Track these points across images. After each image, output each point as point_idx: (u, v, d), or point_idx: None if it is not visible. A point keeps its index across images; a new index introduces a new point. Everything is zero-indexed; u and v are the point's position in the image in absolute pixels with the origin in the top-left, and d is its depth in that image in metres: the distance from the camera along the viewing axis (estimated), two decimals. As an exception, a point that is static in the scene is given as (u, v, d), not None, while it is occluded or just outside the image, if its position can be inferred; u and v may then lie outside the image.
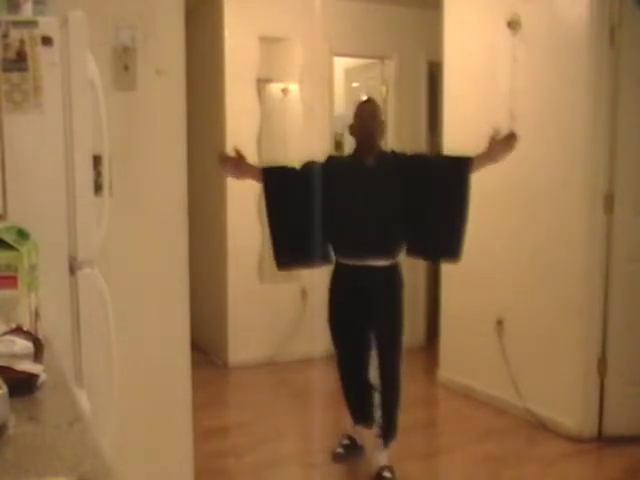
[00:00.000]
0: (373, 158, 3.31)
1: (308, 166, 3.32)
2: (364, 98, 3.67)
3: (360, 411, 3.46)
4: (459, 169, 3.21)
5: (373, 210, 3.25)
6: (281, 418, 4.25)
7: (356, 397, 3.47)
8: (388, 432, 3.30)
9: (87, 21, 2.08)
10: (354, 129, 3.37)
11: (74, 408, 1.20)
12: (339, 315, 3.40)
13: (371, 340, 3.28)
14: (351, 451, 3.54)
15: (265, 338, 5.26)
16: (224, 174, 3.29)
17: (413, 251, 3.38)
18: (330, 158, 3.49)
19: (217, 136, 5.21)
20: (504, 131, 3.21)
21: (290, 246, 3.28)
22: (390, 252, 3.28)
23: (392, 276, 3.31)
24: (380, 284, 3.27)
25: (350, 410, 3.53)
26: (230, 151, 3.28)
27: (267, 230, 3.37)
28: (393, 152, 3.57)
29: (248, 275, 5.23)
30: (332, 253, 3.34)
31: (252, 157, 5.21)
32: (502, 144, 3.16)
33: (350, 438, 3.56)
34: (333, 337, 3.45)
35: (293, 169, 3.34)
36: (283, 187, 3.27)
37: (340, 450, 3.53)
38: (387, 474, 3.24)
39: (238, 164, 3.23)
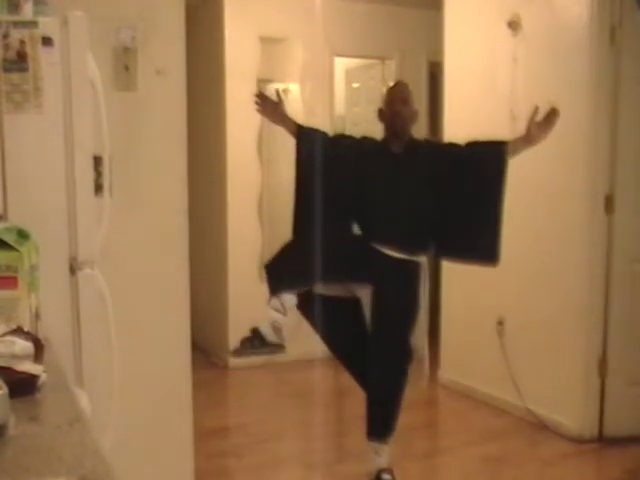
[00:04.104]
0: (402, 145, 3.13)
1: (341, 137, 3.26)
2: (391, 83, 3.46)
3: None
4: (493, 156, 3.01)
5: (396, 199, 3.09)
6: (281, 418, 4.25)
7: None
8: (376, 431, 3.16)
9: (87, 21, 2.08)
10: (383, 114, 3.19)
11: (74, 408, 1.20)
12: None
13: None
14: None
15: (265, 338, 5.25)
16: (259, 110, 3.22)
17: (444, 251, 3.21)
18: (364, 138, 3.33)
19: (217, 136, 5.22)
20: (544, 110, 2.94)
21: (312, 216, 3.09)
22: (410, 245, 3.08)
23: (412, 273, 3.09)
24: (392, 277, 3.06)
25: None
26: (272, 93, 3.22)
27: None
28: (426, 140, 3.33)
29: (248, 275, 5.22)
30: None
31: (252, 157, 5.25)
32: (542, 124, 2.94)
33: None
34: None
35: (327, 135, 3.25)
36: (315, 151, 3.13)
37: None
38: (387, 476, 3.21)
39: (276, 107, 3.18)
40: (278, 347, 3.14)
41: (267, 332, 3.08)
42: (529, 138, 2.97)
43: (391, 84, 3.48)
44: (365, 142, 3.31)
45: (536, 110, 2.94)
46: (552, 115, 2.94)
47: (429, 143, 3.28)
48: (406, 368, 3.15)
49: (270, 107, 3.20)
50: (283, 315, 3.05)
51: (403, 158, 3.15)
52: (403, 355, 3.14)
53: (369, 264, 3.07)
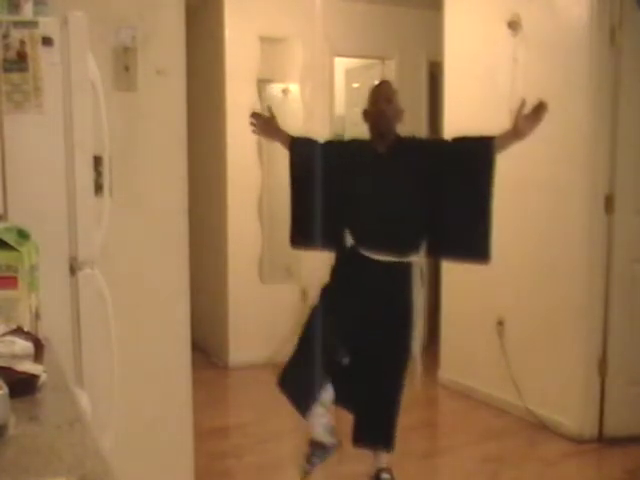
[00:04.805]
0: (387, 145, 3.06)
1: (330, 144, 3.29)
2: (377, 81, 3.43)
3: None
4: (481, 151, 2.95)
5: (381, 200, 3.04)
6: (281, 419, 4.24)
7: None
8: (382, 439, 3.14)
9: (87, 21, 2.08)
10: (367, 114, 3.12)
11: (74, 408, 1.20)
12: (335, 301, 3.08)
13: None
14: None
15: (265, 338, 5.25)
16: (254, 131, 3.29)
17: (434, 250, 3.14)
18: (353, 140, 3.31)
19: (217, 136, 5.22)
20: (531, 103, 2.88)
21: (307, 224, 3.10)
22: (401, 247, 3.03)
23: (402, 276, 3.05)
24: (385, 282, 3.03)
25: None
26: (264, 110, 3.24)
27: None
28: (413, 138, 3.25)
29: (248, 275, 5.23)
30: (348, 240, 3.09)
31: (253, 158, 5.25)
32: (529, 117, 2.86)
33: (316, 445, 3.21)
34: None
35: (319, 143, 3.25)
36: (308, 160, 3.13)
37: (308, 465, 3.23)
38: (386, 476, 3.20)
39: (269, 123, 3.21)
40: (339, 443, 3.20)
41: (323, 437, 3.13)
42: (516, 132, 2.91)
43: (376, 82, 3.44)
44: (352, 144, 3.31)
45: (523, 103, 2.88)
46: (540, 108, 2.88)
47: (415, 141, 3.21)
48: (404, 372, 3.13)
49: (265, 124, 3.23)
50: (329, 414, 3.10)
51: (388, 158, 3.09)
52: (401, 360, 3.11)
53: (361, 275, 3.05)
